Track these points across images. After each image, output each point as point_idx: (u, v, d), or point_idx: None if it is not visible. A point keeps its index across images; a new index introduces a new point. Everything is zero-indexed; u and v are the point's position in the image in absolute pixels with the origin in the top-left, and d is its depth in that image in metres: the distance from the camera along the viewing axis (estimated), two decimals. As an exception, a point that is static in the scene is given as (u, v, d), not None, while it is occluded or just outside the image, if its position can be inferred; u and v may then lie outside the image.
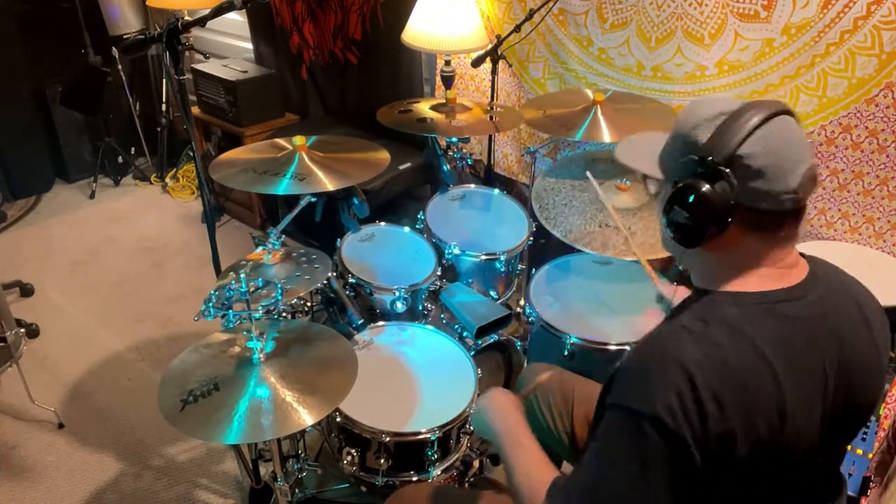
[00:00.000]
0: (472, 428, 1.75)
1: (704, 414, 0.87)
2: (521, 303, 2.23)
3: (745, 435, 0.89)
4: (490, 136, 2.77)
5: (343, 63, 3.37)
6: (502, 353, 2.19)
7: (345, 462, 1.67)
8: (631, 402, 0.91)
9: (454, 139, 2.37)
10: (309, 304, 2.04)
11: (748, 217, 0.94)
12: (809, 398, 0.95)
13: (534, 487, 1.03)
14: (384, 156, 1.93)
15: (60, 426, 2.38)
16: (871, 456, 1.60)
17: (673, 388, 0.88)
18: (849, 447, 1.58)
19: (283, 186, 1.71)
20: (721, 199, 0.93)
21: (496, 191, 2.43)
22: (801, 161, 0.93)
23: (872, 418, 1.66)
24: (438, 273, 2.07)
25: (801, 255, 1.04)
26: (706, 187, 0.93)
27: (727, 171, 0.92)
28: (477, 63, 2.47)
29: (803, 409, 0.94)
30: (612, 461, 0.93)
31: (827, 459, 1.02)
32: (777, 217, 0.95)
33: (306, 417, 1.34)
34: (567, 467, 1.61)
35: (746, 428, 0.89)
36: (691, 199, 0.94)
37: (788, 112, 0.96)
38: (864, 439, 1.61)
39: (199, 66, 3.49)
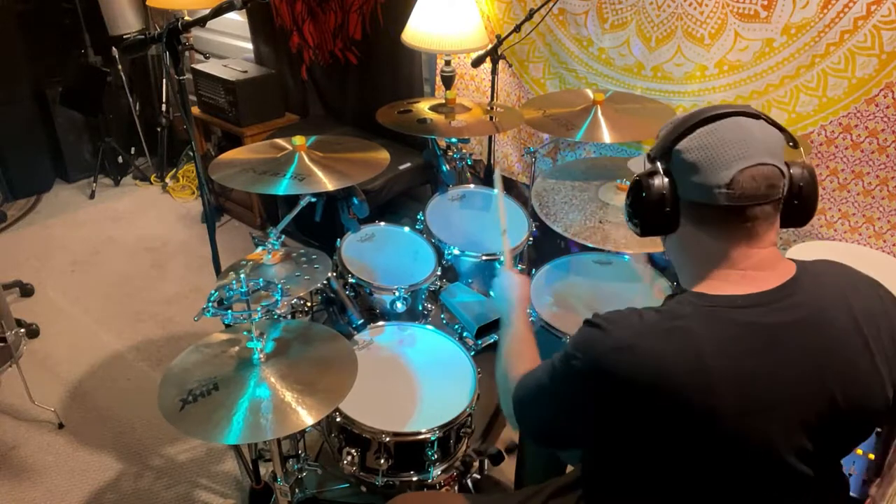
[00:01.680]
0: (471, 428, 1.75)
1: (616, 388, 0.95)
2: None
3: (652, 414, 0.95)
4: (490, 137, 2.77)
5: (343, 63, 3.37)
6: (502, 353, 2.19)
7: (345, 462, 1.67)
8: (571, 348, 1.02)
9: (454, 139, 2.37)
10: (309, 304, 2.04)
11: (691, 211, 1.01)
12: (761, 402, 0.94)
13: (514, 366, 1.22)
14: (384, 156, 1.93)
15: (60, 426, 2.38)
16: (871, 456, 1.60)
17: (603, 354, 0.97)
18: (848, 447, 1.58)
19: (283, 186, 1.71)
20: (657, 189, 1.02)
21: (496, 191, 2.42)
22: (741, 158, 0.95)
23: (872, 418, 1.65)
24: (438, 273, 2.07)
25: (794, 261, 1.04)
26: (643, 179, 1.03)
27: (660, 163, 1.02)
28: (477, 63, 2.47)
29: (749, 413, 0.94)
30: (543, 367, 1.10)
31: (819, 466, 1.01)
32: (717, 212, 0.98)
33: (306, 417, 1.34)
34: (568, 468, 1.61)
35: (655, 425, 0.95)
36: (636, 190, 1.04)
37: (752, 115, 0.99)
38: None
39: (199, 66, 3.49)
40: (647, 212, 1.04)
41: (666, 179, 1.01)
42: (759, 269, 1.00)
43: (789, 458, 0.97)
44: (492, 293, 1.60)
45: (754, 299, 0.98)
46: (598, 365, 0.97)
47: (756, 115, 0.99)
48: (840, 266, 1.09)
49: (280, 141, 1.94)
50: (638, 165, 1.15)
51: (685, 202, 1.01)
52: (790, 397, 0.96)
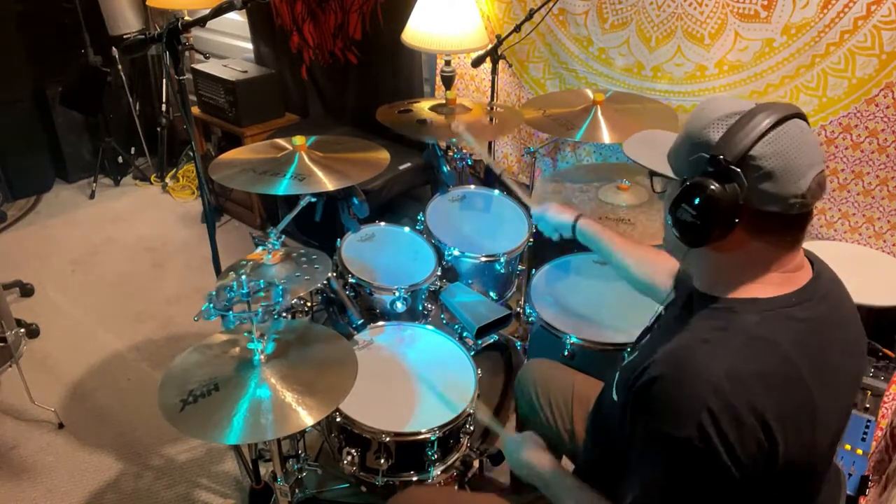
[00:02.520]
0: (471, 428, 1.75)
1: (741, 425, 0.87)
2: (521, 303, 2.23)
3: (784, 439, 0.89)
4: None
5: (343, 63, 3.37)
6: (502, 353, 2.19)
7: (345, 462, 1.67)
8: (664, 426, 0.92)
9: (454, 139, 2.37)
10: (309, 304, 2.04)
11: (755, 220, 0.93)
12: (836, 397, 0.96)
13: None
14: (384, 156, 1.93)
15: (60, 426, 2.38)
16: (869, 455, 1.60)
17: (703, 407, 0.88)
18: (848, 447, 1.59)
19: (283, 186, 1.71)
20: (729, 199, 0.91)
21: (496, 192, 2.42)
22: (812, 165, 0.92)
23: (871, 417, 1.66)
24: (438, 273, 2.07)
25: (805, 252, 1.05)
26: (715, 186, 0.91)
27: (738, 170, 0.91)
28: (477, 63, 2.47)
29: (832, 409, 0.95)
30: (659, 485, 0.95)
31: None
32: (784, 221, 0.94)
33: (306, 418, 1.34)
34: (566, 463, 1.61)
35: (785, 431, 0.89)
36: (699, 197, 0.92)
37: (801, 116, 0.95)
38: (863, 439, 1.61)
39: (199, 66, 3.49)
40: (715, 223, 0.93)
41: (740, 187, 0.91)
42: (796, 269, 1.00)
43: (829, 452, 1.00)
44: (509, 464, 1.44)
45: (801, 295, 0.97)
46: (704, 425, 0.87)
47: (803, 116, 0.96)
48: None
49: (280, 141, 1.94)
50: (635, 148, 1.13)
51: (752, 211, 0.93)
52: (849, 389, 0.98)
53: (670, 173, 1.02)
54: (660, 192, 1.09)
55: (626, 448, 1.02)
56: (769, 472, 0.90)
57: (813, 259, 1.05)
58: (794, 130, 0.92)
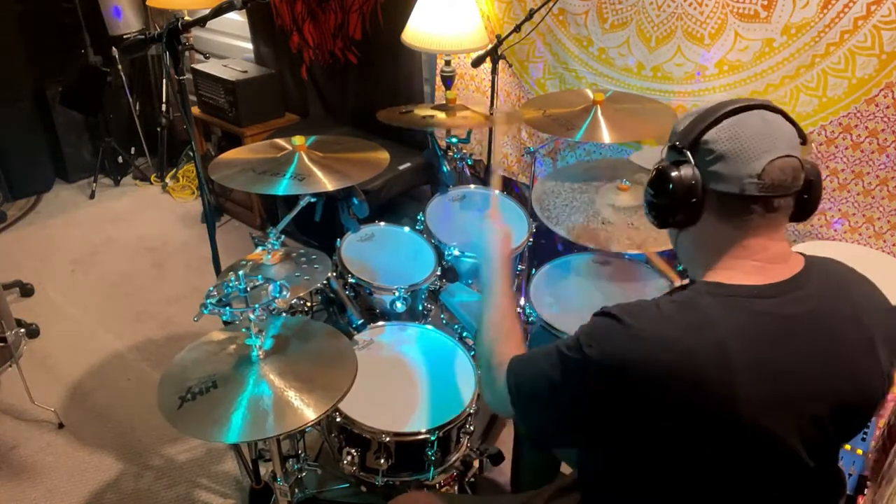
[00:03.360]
0: (471, 428, 1.75)
1: (639, 371, 0.93)
2: (521, 303, 2.23)
3: (670, 407, 0.93)
4: (490, 137, 2.77)
5: (343, 63, 3.37)
6: (502, 353, 2.19)
7: (345, 462, 1.67)
8: (583, 336, 0.99)
9: (454, 139, 2.37)
10: (309, 304, 2.04)
11: (716, 201, 1.00)
12: (780, 394, 0.95)
13: (501, 343, 1.21)
14: (384, 156, 1.93)
15: (60, 426, 2.38)
16: (868, 455, 1.60)
17: (621, 345, 0.95)
18: (848, 447, 1.59)
19: (283, 187, 1.71)
20: (684, 179, 1.00)
21: (496, 191, 2.42)
22: (769, 150, 0.96)
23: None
24: (438, 273, 2.07)
25: (801, 254, 1.05)
26: (671, 169, 1.01)
27: (687, 152, 1.01)
28: (477, 63, 2.47)
29: (769, 405, 0.94)
30: (546, 355, 1.04)
31: (821, 459, 1.02)
32: (743, 202, 0.98)
33: (306, 414, 1.34)
34: (565, 467, 1.61)
35: (676, 401, 0.93)
36: (659, 180, 1.03)
37: (773, 109, 1.00)
38: (863, 439, 1.61)
39: (199, 66, 3.50)
40: (675, 203, 1.02)
41: (695, 170, 1.00)
42: (773, 261, 1.01)
43: (800, 451, 0.98)
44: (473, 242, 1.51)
45: (770, 290, 0.99)
46: (616, 356, 0.94)
47: (776, 110, 1.01)
48: (842, 264, 1.11)
49: (280, 141, 1.94)
50: (643, 159, 1.16)
51: (711, 192, 1.00)
52: (805, 390, 0.96)
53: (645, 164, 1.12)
54: None
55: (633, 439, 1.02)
56: (646, 428, 0.95)
57: (815, 262, 1.05)
58: (753, 119, 0.99)
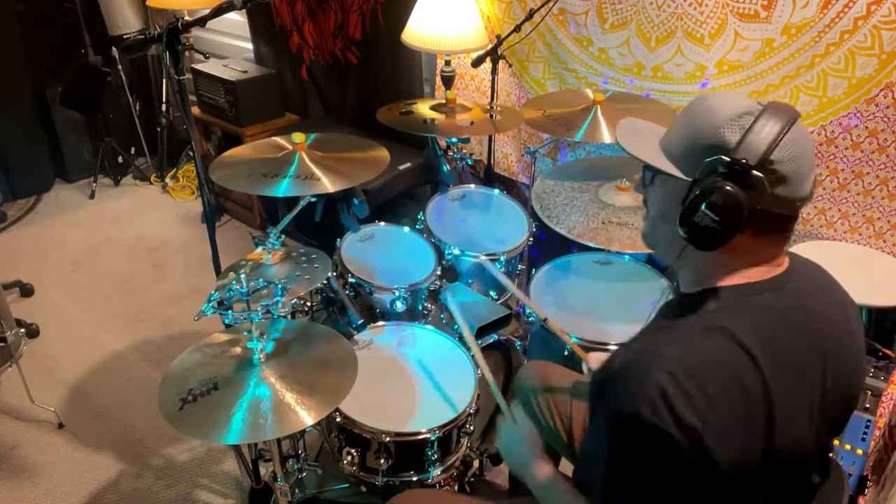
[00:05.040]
0: (471, 428, 1.75)
1: (693, 405, 0.87)
2: (521, 303, 2.23)
3: (732, 425, 0.89)
4: (490, 137, 2.77)
5: (343, 63, 3.37)
6: (502, 353, 2.19)
7: (345, 462, 1.67)
8: (616, 404, 0.92)
9: (454, 139, 2.37)
10: (309, 304, 2.04)
11: (762, 221, 0.93)
12: (800, 387, 0.95)
13: None
14: (384, 156, 1.93)
15: (60, 426, 2.38)
16: (868, 455, 1.60)
17: (655, 387, 0.88)
18: (848, 447, 1.58)
19: (283, 187, 1.71)
20: (750, 203, 0.90)
21: (496, 191, 2.43)
22: (813, 168, 0.95)
23: (871, 417, 1.66)
24: (438, 273, 2.07)
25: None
26: (737, 190, 0.89)
27: (761, 175, 0.90)
28: (477, 63, 2.47)
29: (792, 399, 0.94)
30: (615, 468, 0.94)
31: (819, 453, 1.03)
32: (786, 222, 0.97)
33: (306, 418, 1.34)
34: (565, 464, 1.61)
35: (733, 419, 0.89)
36: (721, 201, 0.90)
37: (799, 116, 0.96)
38: (863, 439, 1.61)
39: (199, 66, 3.49)
40: (731, 225, 0.92)
41: (760, 191, 0.91)
42: (780, 262, 1.01)
43: (810, 445, 0.98)
44: (501, 452, 1.36)
45: (770, 284, 0.98)
46: (656, 404, 0.87)
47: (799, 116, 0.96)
48: (810, 261, 1.10)
49: (280, 140, 1.94)
50: (630, 138, 1.11)
51: (762, 213, 0.92)
52: (808, 382, 0.97)
53: (666, 167, 1.00)
54: (648, 183, 1.07)
55: None
56: (713, 458, 0.89)
57: (794, 256, 1.05)
58: (802, 134, 0.93)
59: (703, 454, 0.88)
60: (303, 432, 1.94)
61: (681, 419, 0.87)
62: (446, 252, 2.12)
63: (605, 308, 1.97)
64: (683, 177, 0.97)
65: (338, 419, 1.64)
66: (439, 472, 1.71)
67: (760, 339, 0.92)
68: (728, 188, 0.90)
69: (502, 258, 2.12)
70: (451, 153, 2.42)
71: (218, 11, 1.67)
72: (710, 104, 0.97)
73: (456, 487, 1.85)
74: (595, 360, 1.56)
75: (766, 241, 0.97)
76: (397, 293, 1.97)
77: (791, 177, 0.91)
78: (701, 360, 0.90)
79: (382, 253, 2.16)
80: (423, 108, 2.28)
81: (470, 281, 2.17)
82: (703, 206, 0.91)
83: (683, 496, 0.91)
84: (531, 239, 2.24)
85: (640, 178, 1.10)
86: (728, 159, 0.91)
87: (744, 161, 0.90)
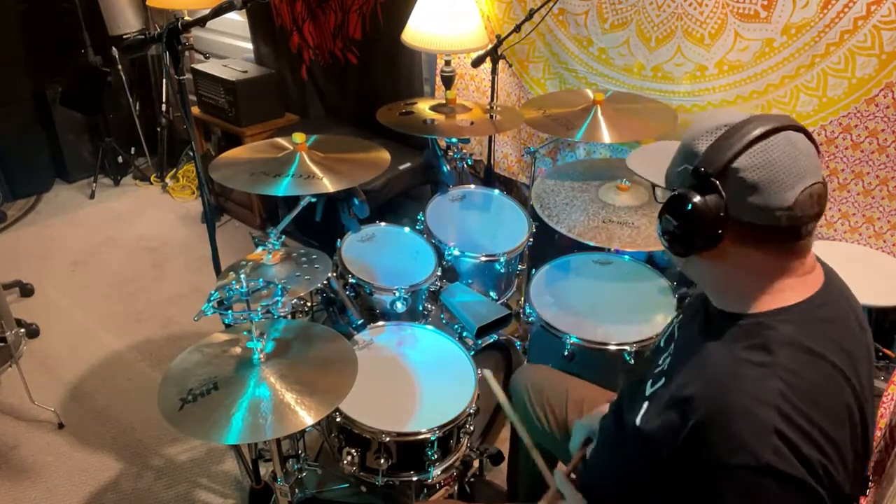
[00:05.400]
0: (471, 428, 1.75)
1: (812, 442, 0.86)
2: (521, 303, 2.23)
3: (848, 449, 0.90)
4: (490, 137, 2.77)
5: (343, 63, 3.37)
6: (502, 353, 2.19)
7: (345, 462, 1.67)
8: (733, 458, 0.87)
9: (454, 139, 2.37)
10: (309, 304, 2.04)
11: (746, 231, 0.93)
12: (869, 387, 0.97)
13: None
14: (384, 156, 1.93)
15: (60, 426, 2.38)
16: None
17: (771, 429, 0.85)
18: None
19: (284, 187, 1.71)
20: (711, 210, 0.92)
21: (496, 191, 2.43)
22: (802, 177, 0.91)
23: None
24: (438, 273, 2.07)
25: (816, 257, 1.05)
26: (696, 197, 0.92)
27: (716, 182, 0.92)
28: (477, 63, 2.47)
29: (870, 400, 0.96)
30: None
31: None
32: (777, 232, 0.93)
33: (306, 418, 1.34)
34: (562, 467, 1.61)
35: (847, 442, 0.90)
36: (680, 208, 0.94)
37: (797, 128, 0.94)
38: (863, 439, 1.61)
39: (199, 66, 3.49)
40: (697, 232, 0.94)
41: (721, 199, 0.92)
42: (808, 272, 0.99)
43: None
44: None
45: (822, 297, 0.98)
46: (779, 448, 0.85)
47: (798, 129, 0.95)
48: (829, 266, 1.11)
49: (280, 140, 1.94)
50: (637, 164, 1.13)
51: (737, 222, 0.93)
52: (870, 395, 0.98)
53: (658, 182, 1.04)
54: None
55: (646, 479, 1.01)
56: (840, 495, 0.89)
57: (824, 266, 1.05)
58: (782, 142, 0.92)
59: (833, 488, 0.87)
60: (303, 432, 1.94)
61: (809, 461, 0.85)
62: (446, 252, 2.12)
63: (605, 308, 1.97)
64: (667, 190, 1.00)
65: (338, 419, 1.64)
66: (439, 472, 1.71)
67: (841, 354, 0.93)
68: (685, 195, 0.93)
69: (502, 258, 2.12)
70: (451, 153, 2.42)
71: (218, 11, 1.67)
72: (701, 118, 1.02)
73: (456, 487, 1.85)
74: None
75: (774, 253, 0.96)
76: (397, 294, 1.97)
77: (762, 184, 0.90)
78: (806, 393, 0.88)
79: (382, 253, 2.16)
80: (423, 109, 2.28)
81: (470, 281, 2.17)
82: (666, 213, 0.97)
83: None
84: (531, 239, 2.24)
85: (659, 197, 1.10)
86: (691, 168, 0.94)
87: (702, 169, 0.92)
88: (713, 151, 0.93)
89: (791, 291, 0.97)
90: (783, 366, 0.90)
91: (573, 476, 1.29)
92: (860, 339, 1.01)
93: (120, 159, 4.06)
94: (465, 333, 2.02)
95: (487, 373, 1.60)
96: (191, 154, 3.82)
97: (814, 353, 0.91)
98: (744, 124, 0.93)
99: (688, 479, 0.93)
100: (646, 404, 1.07)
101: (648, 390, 1.09)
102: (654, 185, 1.09)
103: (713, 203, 0.92)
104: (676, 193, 0.95)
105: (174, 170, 4.08)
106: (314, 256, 1.83)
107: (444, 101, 2.28)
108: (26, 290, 3.06)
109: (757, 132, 0.91)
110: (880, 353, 1.86)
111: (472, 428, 1.76)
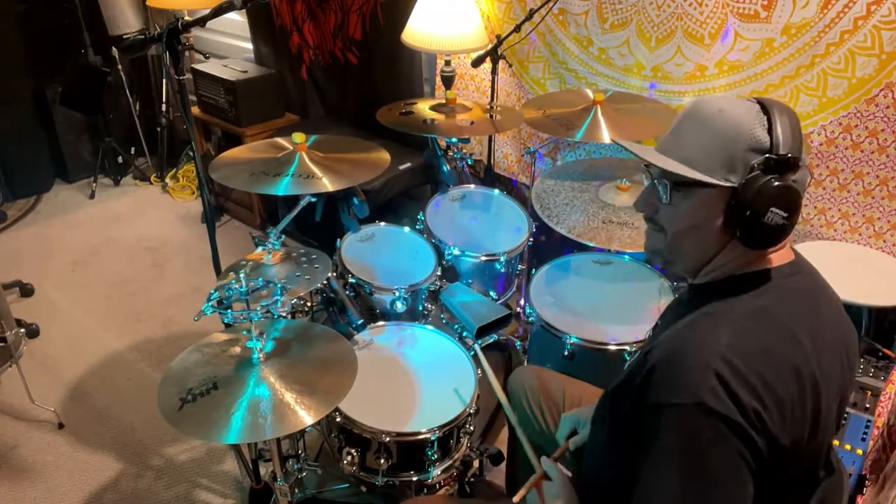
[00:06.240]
0: (471, 428, 1.75)
1: (750, 389, 0.87)
2: (521, 303, 2.23)
3: (794, 406, 0.91)
4: (490, 137, 2.77)
5: (343, 63, 3.37)
6: (502, 353, 2.19)
7: (345, 462, 1.67)
8: (672, 397, 0.89)
9: (454, 139, 2.37)
10: (309, 303, 2.04)
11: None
12: (832, 372, 0.97)
13: None
14: (384, 156, 1.93)
15: (60, 426, 2.38)
16: (868, 454, 1.60)
17: (711, 371, 0.87)
18: (848, 447, 1.59)
19: (284, 187, 1.71)
20: (800, 192, 0.96)
21: (496, 191, 2.43)
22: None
23: (871, 417, 1.66)
24: (438, 273, 2.07)
25: None
26: (793, 184, 0.94)
27: (804, 164, 0.95)
28: (477, 63, 2.47)
29: (830, 384, 0.96)
30: (673, 466, 0.89)
31: (829, 445, 1.04)
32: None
33: (305, 417, 1.34)
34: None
35: (791, 402, 0.91)
36: (788, 197, 0.93)
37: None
38: (863, 439, 1.61)
39: (199, 66, 3.49)
40: (794, 218, 0.95)
41: (800, 181, 0.97)
42: (786, 245, 1.03)
43: (831, 434, 1.00)
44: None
45: (793, 267, 1.01)
46: (715, 388, 0.87)
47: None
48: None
49: (280, 140, 1.94)
50: (649, 152, 1.08)
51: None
52: (837, 368, 0.99)
53: (707, 178, 0.96)
54: (672, 203, 1.02)
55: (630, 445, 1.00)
56: (776, 448, 0.90)
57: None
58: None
59: (768, 438, 0.88)
60: (302, 432, 1.94)
61: (743, 404, 0.87)
62: (446, 252, 2.12)
63: (604, 308, 1.97)
64: (726, 184, 0.96)
65: (338, 419, 1.64)
66: (439, 472, 1.71)
67: (800, 320, 0.94)
68: (789, 185, 0.93)
69: (502, 258, 2.12)
70: (451, 153, 2.42)
71: (218, 11, 1.67)
72: (720, 107, 0.97)
73: (456, 487, 1.85)
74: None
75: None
76: (397, 294, 1.97)
77: (803, 164, 0.95)
78: (753, 345, 0.91)
79: (382, 253, 2.16)
80: (423, 109, 2.28)
81: (470, 281, 2.17)
82: (772, 207, 0.92)
83: (742, 480, 0.88)
84: (531, 239, 2.24)
85: (646, 199, 1.06)
86: (775, 157, 0.93)
87: (789, 156, 0.93)
88: (779, 137, 0.94)
89: (766, 260, 1.00)
90: (734, 319, 0.94)
91: (559, 465, 1.30)
92: (829, 315, 1.02)
93: (120, 159, 4.06)
94: (465, 333, 2.02)
95: (477, 347, 1.66)
96: (191, 154, 3.82)
97: (769, 312, 0.94)
98: (768, 106, 0.97)
99: (639, 427, 0.94)
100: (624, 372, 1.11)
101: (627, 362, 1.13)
102: (658, 185, 1.02)
103: (798, 186, 0.95)
104: (776, 184, 0.92)
105: (174, 170, 4.08)
106: (314, 256, 1.83)
107: (444, 101, 2.28)
108: (26, 290, 3.06)
109: (779, 111, 0.96)
110: (880, 353, 1.86)
111: (472, 428, 1.75)
